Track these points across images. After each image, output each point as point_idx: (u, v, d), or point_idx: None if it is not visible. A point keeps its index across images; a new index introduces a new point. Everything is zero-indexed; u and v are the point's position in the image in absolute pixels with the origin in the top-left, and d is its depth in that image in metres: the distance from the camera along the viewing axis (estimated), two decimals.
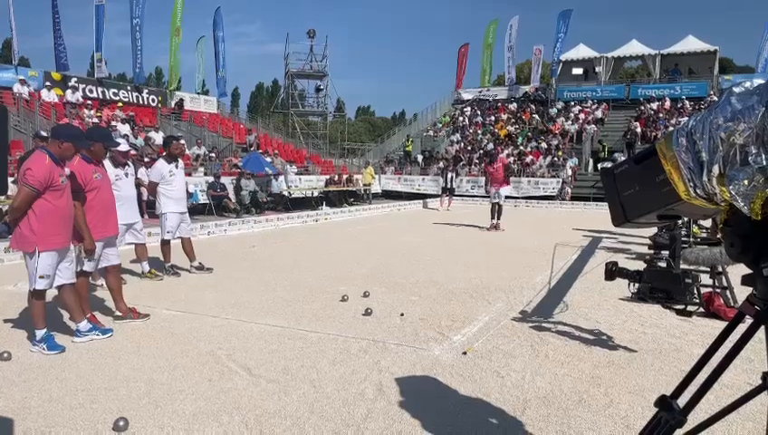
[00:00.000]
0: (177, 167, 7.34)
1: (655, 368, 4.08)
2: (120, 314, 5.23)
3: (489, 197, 13.87)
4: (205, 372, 3.94)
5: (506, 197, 14.03)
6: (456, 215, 17.58)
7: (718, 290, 5.53)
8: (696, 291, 5.04)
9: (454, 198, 21.61)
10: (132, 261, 7.49)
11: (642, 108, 29.51)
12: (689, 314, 5.38)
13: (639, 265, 5.35)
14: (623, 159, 3.06)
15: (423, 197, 24.86)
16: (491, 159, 15.55)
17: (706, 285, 5.50)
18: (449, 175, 21.36)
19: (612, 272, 4.49)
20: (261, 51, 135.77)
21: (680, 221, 8.67)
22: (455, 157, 28.03)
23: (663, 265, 5.20)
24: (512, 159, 27.30)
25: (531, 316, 5.52)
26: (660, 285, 4.62)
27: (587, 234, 12.41)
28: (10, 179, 7.84)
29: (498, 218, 13.48)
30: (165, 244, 7.44)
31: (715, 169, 1.67)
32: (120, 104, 23.52)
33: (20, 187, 4.28)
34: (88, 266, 4.99)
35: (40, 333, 4.38)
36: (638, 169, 2.04)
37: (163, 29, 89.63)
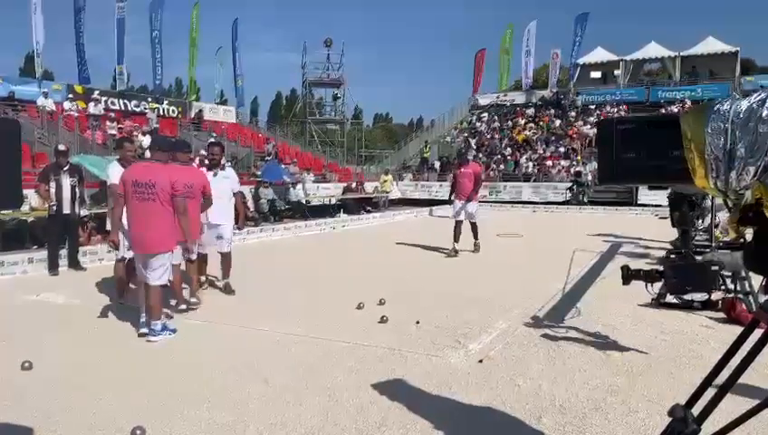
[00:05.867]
0: (214, 175, 6.84)
1: (674, 375, 4.01)
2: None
3: (454, 212, 10.35)
4: (221, 380, 3.97)
5: (479, 205, 10.65)
6: None
7: (740, 296, 5.42)
8: (722, 279, 4.89)
9: None
10: None
11: (663, 111, 29.12)
12: (715, 304, 5.21)
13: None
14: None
15: (440, 203, 24.73)
16: (460, 162, 10.88)
17: (729, 291, 5.39)
18: None
19: (628, 276, 4.41)
20: (279, 60, 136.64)
21: (702, 226, 8.56)
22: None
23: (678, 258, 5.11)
24: (531, 163, 27.11)
25: (548, 324, 5.46)
26: (687, 278, 4.42)
27: (606, 239, 12.26)
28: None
29: (476, 238, 10.32)
30: None
31: (751, 170, 1.55)
32: (154, 117, 23.97)
33: (178, 200, 4.91)
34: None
35: (160, 324, 4.90)
36: (649, 133, 1.86)
37: (181, 40, 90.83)
